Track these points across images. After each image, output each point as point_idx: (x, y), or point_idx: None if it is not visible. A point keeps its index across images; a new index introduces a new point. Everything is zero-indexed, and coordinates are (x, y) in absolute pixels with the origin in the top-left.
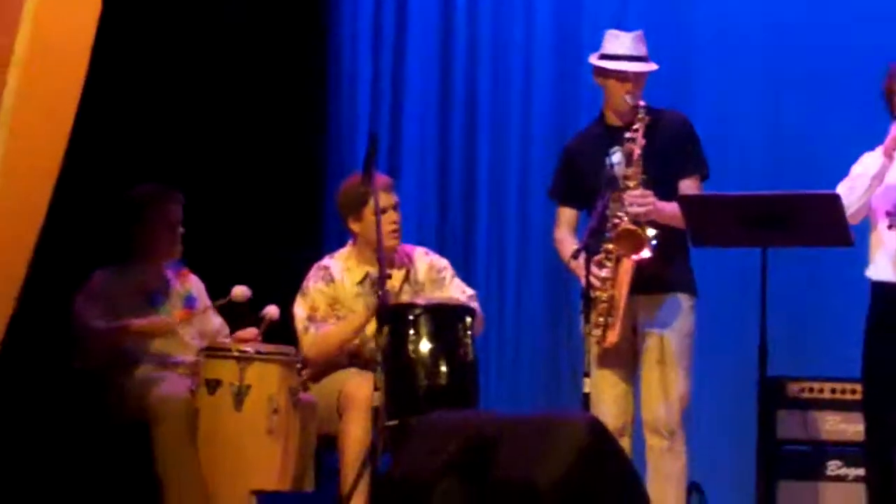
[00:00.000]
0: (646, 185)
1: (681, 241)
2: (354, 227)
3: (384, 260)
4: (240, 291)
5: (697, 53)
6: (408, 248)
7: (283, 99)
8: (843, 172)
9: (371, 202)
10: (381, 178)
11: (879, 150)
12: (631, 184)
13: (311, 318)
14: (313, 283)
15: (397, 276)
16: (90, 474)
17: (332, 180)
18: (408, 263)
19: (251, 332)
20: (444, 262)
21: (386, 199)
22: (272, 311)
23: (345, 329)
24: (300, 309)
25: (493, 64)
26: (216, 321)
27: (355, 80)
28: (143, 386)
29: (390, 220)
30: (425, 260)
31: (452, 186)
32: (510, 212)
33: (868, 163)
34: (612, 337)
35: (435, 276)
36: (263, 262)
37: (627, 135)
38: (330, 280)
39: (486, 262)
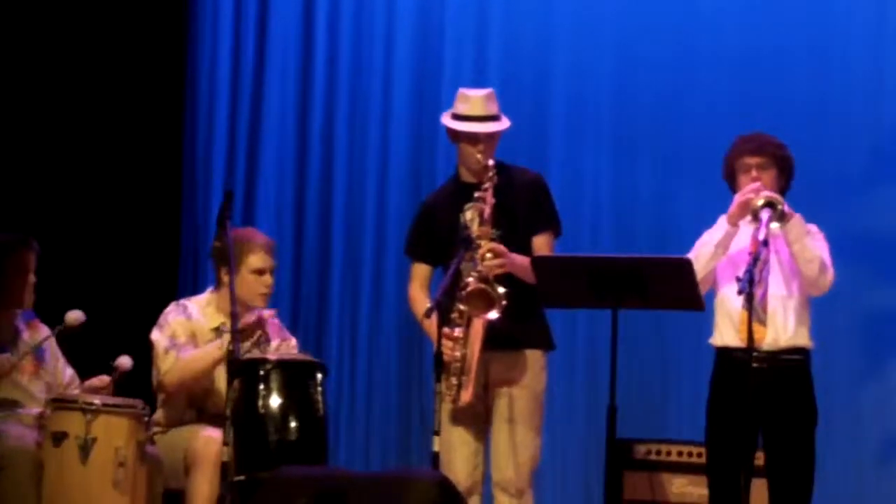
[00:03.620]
0: (499, 241)
1: (535, 296)
2: (227, 277)
3: (237, 316)
4: (73, 316)
5: (553, 113)
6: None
7: (138, 151)
8: (691, 238)
9: (249, 262)
10: (264, 240)
11: (722, 219)
12: (483, 242)
13: (173, 342)
14: (173, 316)
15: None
16: None
17: (187, 237)
18: (263, 326)
19: (102, 379)
20: (294, 341)
21: (265, 260)
22: (125, 361)
23: (206, 357)
24: (158, 335)
25: (350, 120)
26: (67, 373)
27: (211, 135)
28: None
29: (265, 284)
30: (279, 334)
31: (307, 243)
32: (364, 269)
33: (711, 233)
34: (466, 396)
35: (284, 351)
36: (117, 313)
37: (477, 194)
38: (189, 317)
39: (339, 319)
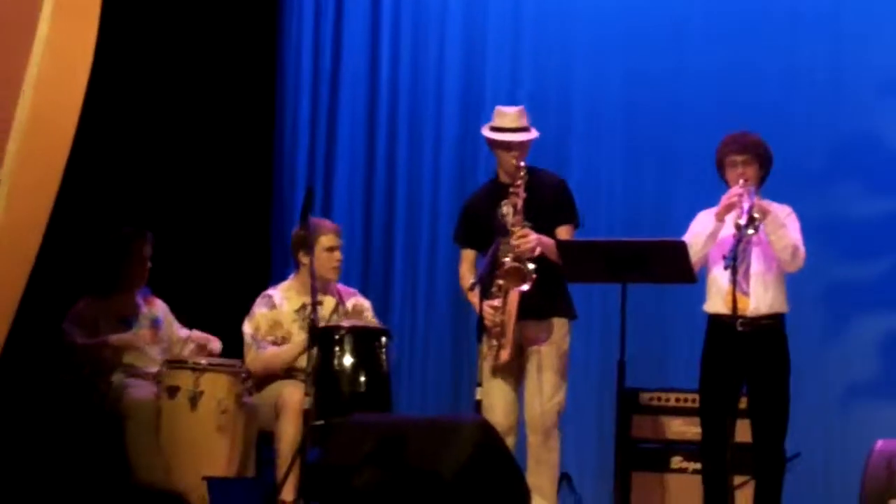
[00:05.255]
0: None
1: (559, 274)
2: (304, 259)
3: (316, 291)
4: (214, 346)
5: (574, 124)
6: (341, 287)
7: (238, 160)
8: (686, 226)
9: (321, 242)
10: (332, 225)
11: (710, 214)
12: (516, 229)
13: (254, 338)
14: (259, 308)
15: (329, 303)
16: (77, 459)
17: (277, 226)
18: (338, 298)
19: (208, 338)
20: (367, 304)
21: (334, 239)
22: (215, 346)
23: (283, 356)
24: (247, 328)
25: (409, 133)
26: (182, 333)
27: (296, 142)
28: (118, 390)
29: (335, 258)
30: (353, 299)
31: (374, 232)
32: (421, 252)
33: (704, 220)
34: (505, 356)
35: (359, 312)
36: (220, 292)
37: (511, 189)
38: (272, 306)
39: (401, 293)
